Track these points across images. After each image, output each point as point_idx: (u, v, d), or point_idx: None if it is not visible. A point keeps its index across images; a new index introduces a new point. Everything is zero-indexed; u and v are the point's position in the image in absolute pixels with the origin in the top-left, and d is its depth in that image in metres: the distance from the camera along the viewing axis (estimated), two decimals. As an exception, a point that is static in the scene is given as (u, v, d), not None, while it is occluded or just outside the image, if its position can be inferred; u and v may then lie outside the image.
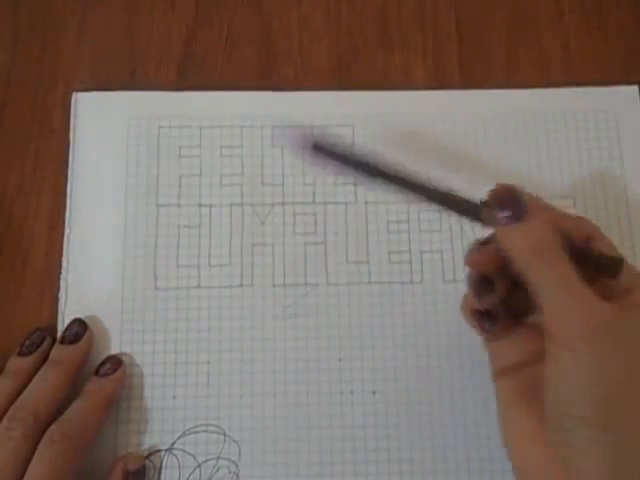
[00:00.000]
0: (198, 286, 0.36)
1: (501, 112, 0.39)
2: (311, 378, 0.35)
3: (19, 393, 0.31)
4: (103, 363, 0.34)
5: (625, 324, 0.27)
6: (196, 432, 0.34)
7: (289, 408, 0.34)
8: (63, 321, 0.35)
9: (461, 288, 0.32)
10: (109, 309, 0.35)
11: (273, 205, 0.37)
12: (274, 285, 0.36)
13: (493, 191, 0.29)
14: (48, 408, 0.31)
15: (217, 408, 0.34)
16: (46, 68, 0.39)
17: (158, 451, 0.33)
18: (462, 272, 0.36)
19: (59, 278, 0.36)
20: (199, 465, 0.33)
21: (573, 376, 0.27)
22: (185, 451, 0.33)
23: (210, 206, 0.37)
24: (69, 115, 0.38)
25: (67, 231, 0.36)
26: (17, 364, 0.33)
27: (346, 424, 0.34)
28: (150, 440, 0.34)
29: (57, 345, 0.34)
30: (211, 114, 0.38)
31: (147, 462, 0.33)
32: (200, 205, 0.37)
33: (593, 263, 0.28)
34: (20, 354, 0.33)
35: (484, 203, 0.29)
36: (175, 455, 0.33)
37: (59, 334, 0.34)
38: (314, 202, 0.37)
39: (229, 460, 0.33)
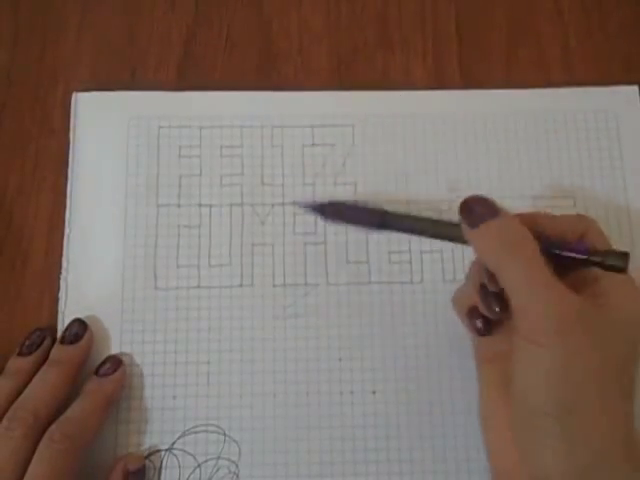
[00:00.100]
0: (198, 286, 0.36)
1: (501, 112, 0.39)
2: (311, 378, 0.35)
3: (19, 393, 0.31)
4: (103, 363, 0.34)
5: (594, 316, 0.27)
6: (196, 432, 0.34)
7: (289, 408, 0.34)
8: (63, 321, 0.35)
9: (461, 288, 0.32)
10: (109, 309, 0.35)
11: (273, 205, 0.37)
12: (274, 285, 0.36)
13: (463, 201, 0.30)
14: (48, 408, 0.31)
15: (217, 408, 0.34)
16: (46, 68, 0.39)
17: (158, 451, 0.33)
18: (462, 272, 0.36)
19: (59, 278, 0.36)
20: (199, 465, 0.33)
21: (540, 372, 0.27)
22: (185, 451, 0.33)
23: (210, 206, 0.37)
24: (69, 115, 0.38)
25: (67, 231, 0.36)
26: (17, 364, 0.33)
27: (346, 424, 0.34)
28: (150, 440, 0.34)
29: (57, 345, 0.34)
30: (211, 114, 0.38)
31: (147, 462, 0.33)
32: (200, 205, 0.37)
33: (598, 258, 0.28)
34: (20, 354, 0.33)
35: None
36: (175, 455, 0.33)
37: (59, 334, 0.34)
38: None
39: (229, 460, 0.33)
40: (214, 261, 0.36)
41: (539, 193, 0.38)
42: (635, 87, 0.39)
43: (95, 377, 0.33)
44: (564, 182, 0.38)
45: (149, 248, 0.36)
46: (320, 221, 0.37)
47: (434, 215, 0.31)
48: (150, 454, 0.33)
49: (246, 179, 0.37)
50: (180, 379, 0.34)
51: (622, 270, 0.28)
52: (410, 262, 0.36)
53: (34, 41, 0.40)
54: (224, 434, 0.34)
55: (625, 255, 0.28)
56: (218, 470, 0.33)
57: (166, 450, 0.33)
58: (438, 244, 0.36)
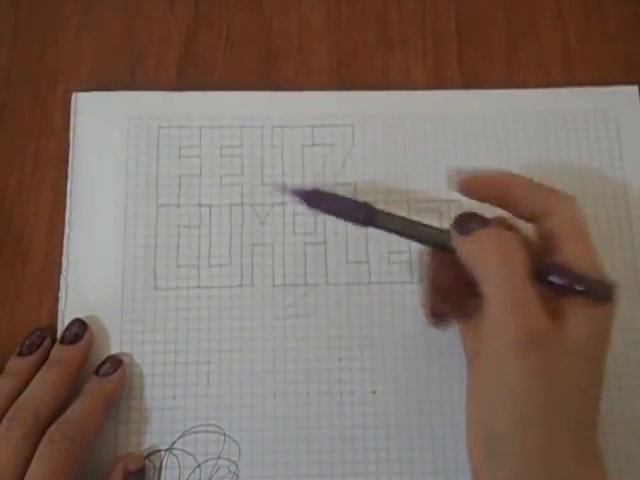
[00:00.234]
0: (198, 286, 0.36)
1: (501, 112, 0.39)
2: (311, 378, 0.35)
3: (19, 393, 0.31)
4: (103, 363, 0.34)
5: (556, 344, 0.26)
6: (196, 432, 0.34)
7: (289, 408, 0.34)
8: (63, 321, 0.35)
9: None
10: (109, 309, 0.35)
11: (273, 205, 0.37)
12: (274, 285, 0.36)
13: (458, 215, 0.30)
14: (48, 408, 0.31)
15: (217, 408, 0.34)
16: (46, 68, 0.39)
17: (158, 451, 0.33)
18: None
19: (59, 278, 0.36)
20: (199, 465, 0.33)
21: (502, 389, 0.27)
22: (185, 451, 0.33)
23: (210, 206, 0.37)
24: (69, 115, 0.38)
25: (67, 231, 0.36)
26: (17, 364, 0.33)
27: (346, 424, 0.34)
28: (150, 440, 0.34)
29: (57, 345, 0.34)
30: (211, 114, 0.38)
31: (147, 462, 0.33)
32: (200, 205, 0.37)
33: (583, 285, 0.27)
34: (20, 354, 0.33)
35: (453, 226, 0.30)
36: (175, 455, 0.33)
37: (59, 334, 0.34)
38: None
39: (229, 460, 0.33)
40: (214, 261, 0.36)
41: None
42: (635, 87, 0.39)
43: (95, 377, 0.33)
44: (564, 182, 0.38)
45: (149, 248, 0.36)
46: (320, 221, 0.37)
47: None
48: (150, 454, 0.33)
49: (246, 179, 0.37)
50: (180, 379, 0.34)
51: (607, 301, 0.27)
52: (410, 262, 0.36)
53: (34, 41, 0.40)
54: (224, 434, 0.34)
55: (611, 287, 0.27)
56: (218, 470, 0.33)
57: (166, 450, 0.33)
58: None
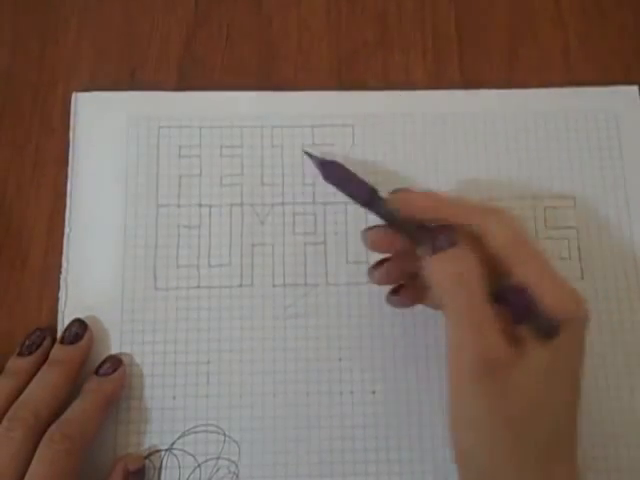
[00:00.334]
0: (198, 286, 0.36)
1: (501, 112, 0.39)
2: (311, 378, 0.35)
3: (19, 393, 0.31)
4: (103, 363, 0.34)
5: (513, 369, 0.27)
6: (196, 432, 0.34)
7: (289, 408, 0.34)
8: (63, 321, 0.35)
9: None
10: (109, 309, 0.35)
11: (273, 205, 0.37)
12: (274, 285, 0.36)
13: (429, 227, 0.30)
14: (48, 408, 0.31)
15: (217, 408, 0.34)
16: (46, 68, 0.39)
17: (158, 451, 0.33)
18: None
19: (59, 278, 0.36)
20: (199, 465, 0.33)
21: (458, 409, 0.28)
22: (185, 451, 0.33)
23: (210, 206, 0.37)
24: (69, 115, 0.38)
25: (67, 231, 0.36)
26: (17, 364, 0.33)
27: (346, 424, 0.34)
28: (150, 440, 0.34)
29: (57, 345, 0.34)
30: (211, 114, 0.38)
31: (147, 462, 0.33)
32: (200, 205, 0.37)
33: (532, 319, 0.27)
34: (20, 354, 0.33)
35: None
36: (175, 455, 0.33)
37: (59, 334, 0.34)
38: (314, 202, 0.37)
39: (229, 460, 0.33)
40: (214, 261, 0.36)
41: (539, 193, 0.38)
42: (635, 87, 0.39)
43: (95, 377, 0.33)
44: (564, 182, 0.38)
45: (149, 248, 0.36)
46: (320, 221, 0.37)
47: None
48: (150, 454, 0.33)
49: (246, 179, 0.37)
50: (180, 379, 0.34)
51: (551, 337, 0.27)
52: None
53: (34, 41, 0.40)
54: (224, 434, 0.34)
55: (555, 327, 0.27)
56: (218, 470, 0.33)
57: (166, 450, 0.33)
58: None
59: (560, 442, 0.27)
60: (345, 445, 0.34)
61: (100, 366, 0.33)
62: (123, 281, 0.36)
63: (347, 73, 0.40)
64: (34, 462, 0.29)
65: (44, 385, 0.32)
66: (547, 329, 0.27)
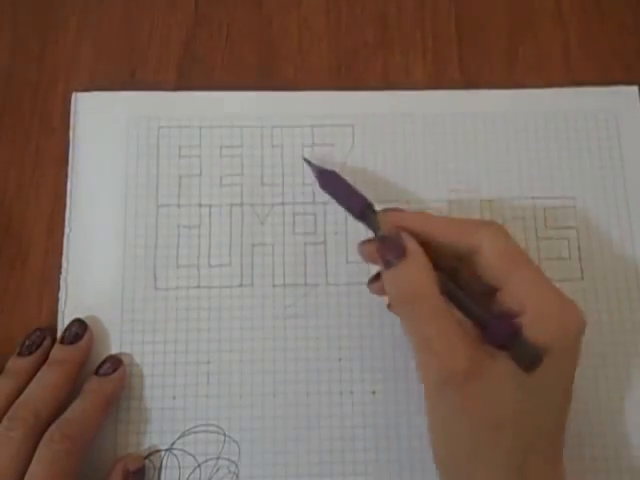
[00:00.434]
0: (198, 286, 0.36)
1: (501, 112, 0.39)
2: (311, 378, 0.35)
3: (19, 393, 0.31)
4: (103, 363, 0.34)
5: (476, 382, 0.27)
6: (196, 432, 0.34)
7: (289, 408, 0.34)
8: (63, 321, 0.35)
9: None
10: (109, 309, 0.35)
11: (273, 205, 0.37)
12: (274, 285, 0.36)
13: (381, 236, 0.30)
14: (48, 408, 0.31)
15: (217, 408, 0.34)
16: (46, 68, 0.39)
17: (158, 451, 0.33)
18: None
19: (59, 278, 0.36)
20: (199, 465, 0.33)
21: (430, 416, 0.28)
22: (185, 451, 0.33)
23: (210, 206, 0.37)
24: (69, 115, 0.38)
25: (67, 231, 0.36)
26: (17, 364, 0.33)
27: (346, 424, 0.34)
28: (150, 440, 0.34)
29: (57, 345, 0.34)
30: (211, 114, 0.38)
31: (147, 462, 0.33)
32: (200, 205, 0.37)
33: (514, 345, 0.27)
34: (20, 354, 0.33)
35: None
36: (175, 455, 0.33)
37: (59, 334, 0.34)
38: (314, 202, 0.37)
39: (229, 460, 0.33)
40: (214, 261, 0.36)
41: (539, 193, 0.38)
42: (635, 87, 0.39)
43: (95, 377, 0.33)
44: (564, 182, 0.38)
45: (149, 248, 0.36)
46: (320, 221, 0.37)
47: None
48: (150, 454, 0.33)
49: (246, 179, 0.37)
50: (180, 379, 0.34)
51: (529, 368, 0.27)
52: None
53: (34, 41, 0.40)
54: (224, 434, 0.34)
55: (538, 357, 0.27)
56: (218, 470, 0.33)
57: (166, 450, 0.33)
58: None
59: (539, 451, 0.27)
60: (345, 445, 0.34)
61: (100, 366, 0.33)
62: (123, 281, 0.36)
63: (347, 73, 0.40)
64: (34, 462, 0.29)
65: (44, 385, 0.32)
66: (529, 359, 0.27)
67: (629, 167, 0.38)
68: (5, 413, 0.30)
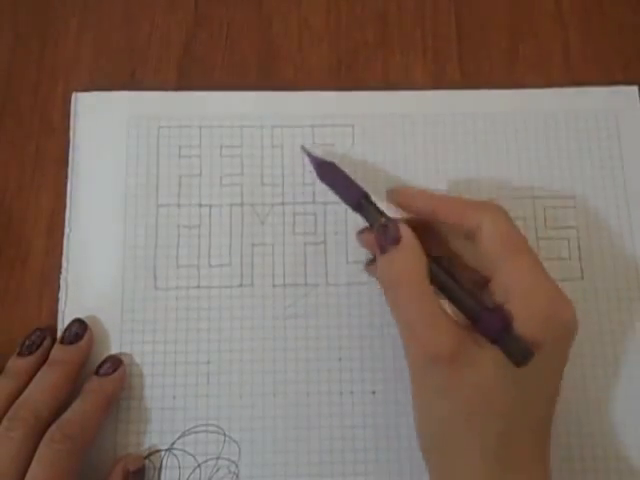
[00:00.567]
0: (198, 286, 0.36)
1: (501, 112, 0.39)
2: (311, 378, 0.35)
3: (19, 393, 0.31)
4: (103, 363, 0.34)
5: (458, 365, 0.27)
6: (196, 432, 0.34)
7: (289, 408, 0.34)
8: (63, 321, 0.35)
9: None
10: (109, 309, 0.35)
11: (273, 205, 0.37)
12: (274, 285, 0.36)
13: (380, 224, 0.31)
14: (49, 408, 0.31)
15: (217, 408, 0.34)
16: (46, 68, 0.39)
17: (158, 451, 0.33)
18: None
19: (59, 278, 0.36)
20: (199, 465, 0.33)
21: (414, 407, 0.29)
22: (185, 451, 0.33)
23: (210, 206, 0.37)
24: (69, 115, 0.38)
25: (67, 231, 0.36)
26: (17, 364, 0.33)
27: (346, 424, 0.34)
28: (150, 440, 0.34)
29: (57, 345, 0.34)
30: (211, 114, 0.38)
31: (147, 462, 0.33)
32: (200, 205, 0.37)
33: (504, 340, 0.27)
34: (20, 354, 0.33)
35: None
36: (175, 455, 0.33)
37: (59, 334, 0.34)
38: (314, 202, 0.37)
39: (229, 460, 0.33)
40: (214, 261, 0.36)
41: (539, 193, 0.38)
42: (635, 87, 0.39)
43: (95, 377, 0.33)
44: (564, 182, 0.38)
45: (149, 248, 0.36)
46: (320, 221, 0.37)
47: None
48: (150, 454, 0.33)
49: (246, 179, 0.37)
50: (180, 379, 0.34)
51: (519, 363, 0.27)
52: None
53: (34, 41, 0.40)
54: (224, 434, 0.34)
55: (528, 353, 0.26)
56: (218, 470, 0.33)
57: (166, 450, 0.33)
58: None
59: (523, 442, 0.27)
60: (345, 445, 0.34)
61: (100, 366, 0.33)
62: (123, 281, 0.36)
63: (347, 73, 0.40)
64: (34, 462, 0.29)
65: (44, 385, 0.32)
66: (520, 354, 0.27)
67: (629, 167, 0.38)
68: (5, 413, 0.30)
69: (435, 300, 0.28)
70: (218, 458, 0.33)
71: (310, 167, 0.35)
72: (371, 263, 0.34)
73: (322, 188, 0.37)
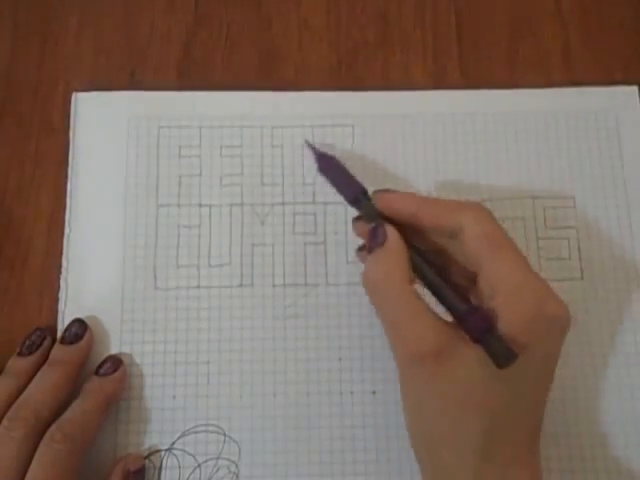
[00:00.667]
0: (198, 286, 0.36)
1: (501, 112, 0.39)
2: (311, 378, 0.35)
3: (20, 393, 0.31)
4: (103, 363, 0.34)
5: (441, 366, 0.27)
6: (196, 432, 0.34)
7: (289, 408, 0.34)
8: (63, 321, 0.35)
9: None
10: (109, 309, 0.35)
11: (273, 205, 0.37)
12: (274, 285, 0.36)
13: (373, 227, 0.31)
14: (49, 408, 0.31)
15: (217, 408, 0.34)
16: (46, 68, 0.39)
17: (158, 451, 0.33)
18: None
19: (59, 278, 0.36)
20: (199, 465, 0.33)
21: (404, 407, 0.29)
22: (185, 451, 0.33)
23: (210, 206, 0.37)
24: (69, 115, 0.38)
25: (67, 231, 0.36)
26: (17, 364, 0.33)
27: (346, 424, 0.34)
28: (150, 440, 0.34)
29: (57, 345, 0.34)
30: (211, 114, 0.38)
31: (147, 462, 0.33)
32: (200, 205, 0.37)
33: (487, 340, 0.27)
34: (20, 354, 0.33)
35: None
36: (175, 455, 0.33)
37: (59, 334, 0.34)
38: (314, 202, 0.37)
39: (229, 460, 0.33)
40: (214, 261, 0.36)
41: (539, 193, 0.38)
42: (635, 87, 0.39)
43: (95, 377, 0.33)
44: (564, 182, 0.38)
45: (149, 248, 0.36)
46: (320, 221, 0.37)
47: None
48: (150, 454, 0.33)
49: (246, 179, 0.37)
50: (180, 379, 0.34)
51: (502, 365, 0.26)
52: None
53: (34, 41, 0.40)
54: (224, 434, 0.34)
55: (512, 356, 0.26)
56: (218, 470, 0.33)
57: (166, 450, 0.33)
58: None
59: (511, 442, 0.27)
60: (345, 445, 0.34)
61: (100, 366, 0.33)
62: (123, 281, 0.36)
63: (347, 73, 0.40)
64: (34, 462, 0.29)
65: (44, 385, 0.32)
66: (502, 355, 0.26)
67: (629, 167, 0.38)
68: (5, 413, 0.30)
69: (418, 298, 0.28)
70: (218, 458, 0.33)
71: (310, 161, 0.35)
72: (363, 248, 0.33)
73: (322, 188, 0.37)
